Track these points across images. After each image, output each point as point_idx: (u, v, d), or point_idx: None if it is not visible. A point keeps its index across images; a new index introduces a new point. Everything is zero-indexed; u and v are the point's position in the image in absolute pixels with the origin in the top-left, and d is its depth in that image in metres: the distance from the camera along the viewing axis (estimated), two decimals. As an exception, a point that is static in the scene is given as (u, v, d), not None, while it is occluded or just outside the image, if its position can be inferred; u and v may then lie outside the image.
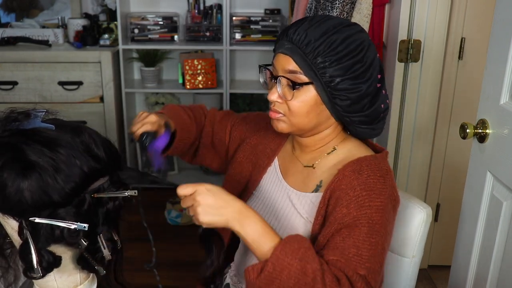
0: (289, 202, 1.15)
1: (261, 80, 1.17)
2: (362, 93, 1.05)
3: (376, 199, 1.03)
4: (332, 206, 1.05)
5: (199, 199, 0.92)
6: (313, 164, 1.15)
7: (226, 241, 1.17)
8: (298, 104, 1.06)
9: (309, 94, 1.05)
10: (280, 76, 1.07)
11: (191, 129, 1.31)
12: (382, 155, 1.12)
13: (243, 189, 1.26)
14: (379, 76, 1.08)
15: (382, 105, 1.10)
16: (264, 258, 0.93)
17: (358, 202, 1.02)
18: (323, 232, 1.04)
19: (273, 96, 1.08)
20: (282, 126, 1.11)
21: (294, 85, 1.05)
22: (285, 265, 0.90)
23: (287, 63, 1.06)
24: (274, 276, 0.90)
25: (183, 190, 0.94)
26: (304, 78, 1.04)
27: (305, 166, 1.17)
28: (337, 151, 1.14)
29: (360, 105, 1.06)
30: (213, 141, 1.35)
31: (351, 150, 1.14)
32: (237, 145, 1.31)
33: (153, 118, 1.18)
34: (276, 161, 1.23)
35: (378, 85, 1.08)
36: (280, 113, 1.09)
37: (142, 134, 1.14)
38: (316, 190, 1.12)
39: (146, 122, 1.17)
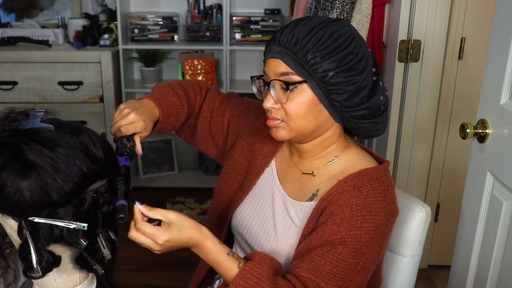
0: (284, 209, 1.13)
1: (254, 90, 1.14)
2: (358, 85, 1.01)
3: (370, 220, 1.02)
4: (325, 218, 1.04)
5: (153, 248, 0.94)
6: (312, 172, 1.13)
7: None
8: (294, 106, 1.03)
9: (305, 94, 1.02)
10: (272, 80, 1.04)
11: (180, 111, 1.23)
12: (384, 167, 1.10)
13: (239, 187, 1.23)
14: (374, 69, 1.06)
15: (382, 97, 1.06)
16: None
17: (351, 222, 1.01)
18: (307, 241, 1.04)
19: (269, 103, 1.04)
20: (281, 133, 1.07)
21: (288, 86, 1.02)
22: None
23: (277, 66, 1.03)
24: None
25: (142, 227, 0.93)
26: (297, 78, 1.02)
27: (303, 173, 1.14)
28: (338, 161, 1.11)
29: (358, 98, 1.02)
30: (210, 127, 1.29)
31: (352, 159, 1.11)
32: (234, 138, 1.27)
33: (131, 118, 1.08)
34: (273, 163, 1.20)
35: (374, 78, 1.06)
36: (278, 119, 1.05)
37: (118, 140, 1.06)
38: (311, 199, 1.10)
39: (121, 124, 1.08)
